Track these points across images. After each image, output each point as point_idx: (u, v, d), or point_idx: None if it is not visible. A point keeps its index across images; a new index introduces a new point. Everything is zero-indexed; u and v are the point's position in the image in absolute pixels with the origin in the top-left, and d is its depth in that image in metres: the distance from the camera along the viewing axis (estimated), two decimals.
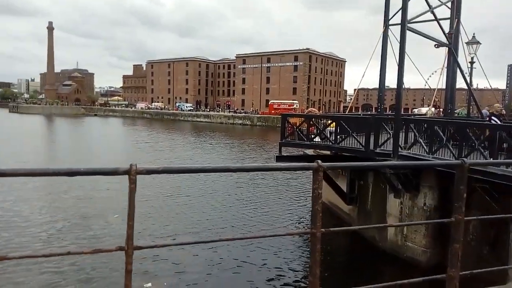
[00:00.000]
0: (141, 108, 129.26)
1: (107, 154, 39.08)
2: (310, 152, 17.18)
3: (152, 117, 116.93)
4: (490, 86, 24.99)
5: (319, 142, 14.71)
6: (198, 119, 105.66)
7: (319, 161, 2.05)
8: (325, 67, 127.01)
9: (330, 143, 14.34)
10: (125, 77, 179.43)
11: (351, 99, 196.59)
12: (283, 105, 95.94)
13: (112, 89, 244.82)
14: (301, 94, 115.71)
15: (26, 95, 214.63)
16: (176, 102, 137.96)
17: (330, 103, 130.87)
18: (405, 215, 13.39)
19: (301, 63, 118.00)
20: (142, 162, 32.92)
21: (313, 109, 20.44)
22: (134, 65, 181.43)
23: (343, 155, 15.02)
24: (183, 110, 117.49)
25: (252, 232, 16.05)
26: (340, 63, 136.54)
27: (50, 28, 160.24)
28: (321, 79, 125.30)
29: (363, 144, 13.41)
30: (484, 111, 30.33)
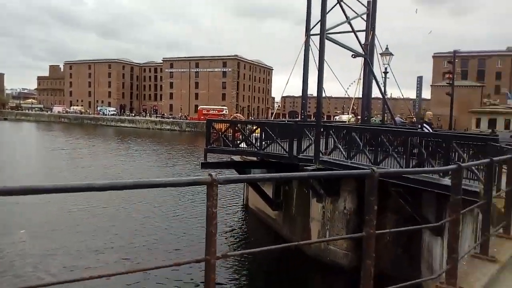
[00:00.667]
0: (58, 112, 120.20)
1: (18, 163, 35.26)
2: (237, 158, 16.98)
3: (71, 121, 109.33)
4: (402, 95, 27.02)
5: (244, 148, 14.55)
6: (123, 124, 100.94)
7: (214, 174, 1.72)
8: (253, 74, 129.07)
9: (255, 149, 14.24)
10: (40, 79, 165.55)
11: (279, 106, 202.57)
12: (212, 111, 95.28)
13: (26, 91, 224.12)
14: (230, 100, 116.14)
15: None
16: (97, 106, 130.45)
17: (259, 110, 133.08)
18: (327, 219, 13.71)
19: (229, 69, 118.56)
20: (58, 171, 30.47)
21: (238, 114, 20.42)
22: (50, 65, 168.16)
23: (269, 161, 15.04)
24: (106, 115, 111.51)
25: (139, 262, 12.94)
26: (267, 71, 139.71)
27: None
28: (249, 85, 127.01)
29: (287, 150, 13.50)
30: (397, 118, 32.70)
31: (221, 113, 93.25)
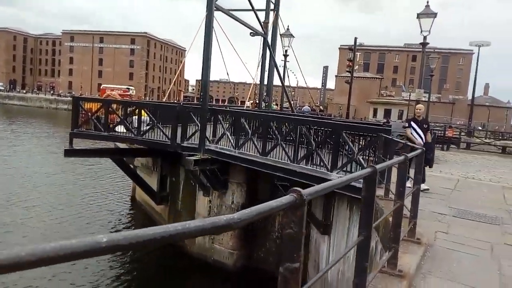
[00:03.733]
0: None
1: None
2: (124, 146, 14.54)
3: None
4: (306, 83, 26.62)
5: (118, 134, 12.27)
6: (11, 102, 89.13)
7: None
8: (164, 54, 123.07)
9: (132, 135, 12.07)
10: None
11: (193, 89, 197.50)
12: (117, 90, 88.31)
13: None
14: (139, 80, 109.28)
15: None
16: None
17: (170, 92, 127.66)
18: (214, 215, 12.19)
19: (138, 47, 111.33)
20: None
21: (114, 93, 17.80)
22: None
23: (153, 149, 13.01)
24: None
25: None
26: (180, 52, 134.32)
27: None
28: (160, 66, 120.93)
29: (169, 136, 11.60)
30: (306, 107, 32.49)
31: (127, 93, 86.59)
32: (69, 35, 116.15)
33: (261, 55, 15.37)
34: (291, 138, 9.76)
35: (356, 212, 8.22)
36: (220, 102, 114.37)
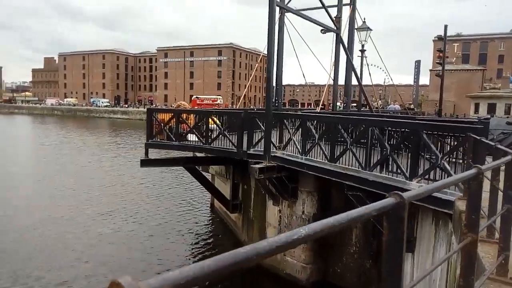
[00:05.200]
0: (51, 104, 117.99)
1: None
2: (201, 154, 14.64)
3: (64, 113, 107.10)
4: (391, 79, 24.49)
5: (189, 143, 12.25)
6: (115, 116, 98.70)
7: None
8: (249, 62, 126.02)
9: (201, 144, 11.94)
10: (34, 71, 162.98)
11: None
12: (206, 100, 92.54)
13: (26, 84, 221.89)
14: (226, 89, 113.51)
15: None
16: (91, 97, 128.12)
17: (256, 99, 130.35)
18: (284, 225, 11.46)
19: (225, 58, 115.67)
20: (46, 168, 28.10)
21: (183, 102, 17.86)
22: (45, 57, 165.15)
23: (223, 157, 12.77)
24: (99, 106, 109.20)
25: None
26: (265, 59, 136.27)
27: None
28: (246, 74, 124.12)
29: (236, 144, 11.21)
30: (395, 106, 30.14)
31: (215, 102, 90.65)
32: (163, 52, 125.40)
33: (333, 52, 14.29)
34: (364, 141, 8.63)
35: (443, 228, 6.85)
36: (306, 106, 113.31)
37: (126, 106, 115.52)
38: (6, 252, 12.67)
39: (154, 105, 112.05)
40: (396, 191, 1.37)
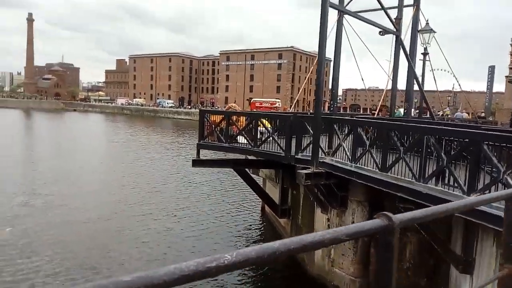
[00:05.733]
0: (121, 104, 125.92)
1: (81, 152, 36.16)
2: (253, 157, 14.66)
3: (132, 113, 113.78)
4: (460, 85, 22.98)
5: (238, 145, 12.28)
6: (179, 116, 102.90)
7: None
8: (309, 66, 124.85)
9: (249, 146, 11.92)
10: (107, 72, 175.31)
11: (340, 99, 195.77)
12: (265, 103, 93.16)
13: (99, 84, 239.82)
14: (285, 93, 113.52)
15: (7, 89, 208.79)
16: (157, 98, 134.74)
17: (309, 102, 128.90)
18: None
19: (285, 61, 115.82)
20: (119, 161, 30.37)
21: (234, 104, 17.67)
22: (117, 59, 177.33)
23: (272, 161, 12.64)
24: (164, 107, 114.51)
25: None
26: (325, 62, 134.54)
27: (30, 20, 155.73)
28: (306, 77, 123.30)
29: (284, 148, 11.03)
30: (459, 113, 28.18)
31: (274, 105, 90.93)
32: (225, 55, 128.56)
33: (393, 56, 13.57)
34: (420, 150, 8.02)
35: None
36: (368, 111, 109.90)
37: (189, 107, 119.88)
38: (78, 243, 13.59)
39: (215, 107, 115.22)
40: (385, 212, 1.13)
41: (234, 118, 12.46)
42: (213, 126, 12.82)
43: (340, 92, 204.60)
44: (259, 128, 12.35)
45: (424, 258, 9.95)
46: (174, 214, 17.50)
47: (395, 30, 13.04)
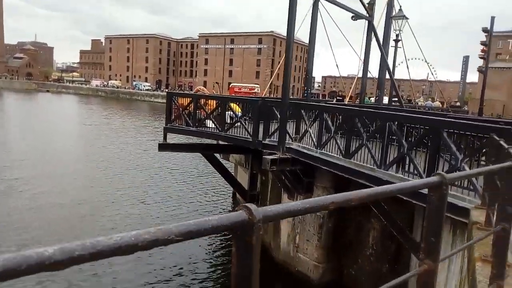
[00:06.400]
0: (96, 86, 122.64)
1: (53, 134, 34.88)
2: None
3: (107, 95, 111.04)
4: (433, 74, 23.14)
5: (205, 130, 12.00)
6: (156, 100, 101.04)
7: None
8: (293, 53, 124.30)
9: (217, 131, 11.65)
10: (82, 52, 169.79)
11: (319, 85, 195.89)
12: (244, 89, 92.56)
13: (75, 65, 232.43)
14: (264, 79, 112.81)
15: None
16: (134, 80, 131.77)
17: (294, 89, 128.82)
18: (298, 221, 11.00)
19: (265, 46, 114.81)
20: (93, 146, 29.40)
21: (203, 87, 17.16)
22: (92, 40, 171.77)
23: (236, 145, 12.43)
24: (140, 90, 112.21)
25: None
26: (305, 49, 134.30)
27: None
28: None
29: (251, 132, 10.83)
30: (428, 102, 28.64)
31: (252, 91, 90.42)
32: (204, 38, 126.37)
33: (364, 42, 13.46)
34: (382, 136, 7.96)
35: (460, 238, 6.19)
36: (345, 99, 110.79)
37: (167, 90, 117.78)
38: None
39: (193, 91, 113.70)
40: (246, 204, 0.95)
41: (203, 101, 12.13)
42: (181, 109, 12.47)
43: (319, 79, 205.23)
44: (228, 112, 12.10)
45: (386, 245, 10.04)
46: (143, 200, 17.13)
47: (367, 15, 12.87)
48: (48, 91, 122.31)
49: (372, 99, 19.12)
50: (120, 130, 42.10)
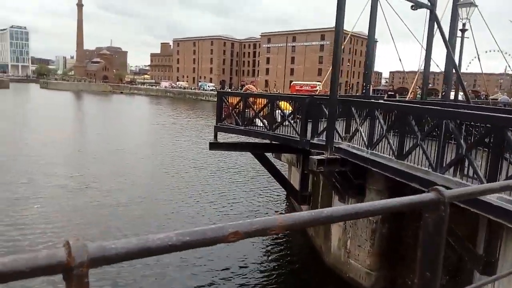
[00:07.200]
0: (165, 87, 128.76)
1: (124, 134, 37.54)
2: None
3: (175, 96, 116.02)
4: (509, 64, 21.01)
5: (254, 129, 11.84)
6: None
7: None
8: (353, 47, 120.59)
9: (265, 130, 11.43)
10: (152, 56, 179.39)
11: (386, 81, 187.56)
12: (305, 87, 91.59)
13: (146, 67, 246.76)
14: (327, 75, 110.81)
15: (59, 72, 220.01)
16: (199, 81, 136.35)
17: (358, 86, 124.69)
18: (349, 225, 10.42)
19: (327, 43, 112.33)
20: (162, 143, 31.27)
21: (251, 85, 16.67)
22: (161, 43, 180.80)
23: (285, 145, 12.11)
24: (205, 90, 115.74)
25: None
26: (365, 42, 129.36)
27: (79, 5, 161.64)
28: (349, 59, 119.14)
29: (299, 131, 10.46)
30: (504, 97, 25.96)
31: (314, 89, 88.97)
32: (266, 37, 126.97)
33: (426, 34, 12.38)
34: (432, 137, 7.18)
35: None
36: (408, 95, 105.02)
37: (230, 90, 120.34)
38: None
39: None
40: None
41: (251, 100, 11.97)
42: (230, 108, 12.44)
43: (386, 75, 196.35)
44: (278, 111, 11.81)
45: (446, 255, 9.12)
46: (199, 200, 17.41)
47: (429, 4, 11.84)
48: (122, 92, 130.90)
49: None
50: (184, 129, 43.67)
